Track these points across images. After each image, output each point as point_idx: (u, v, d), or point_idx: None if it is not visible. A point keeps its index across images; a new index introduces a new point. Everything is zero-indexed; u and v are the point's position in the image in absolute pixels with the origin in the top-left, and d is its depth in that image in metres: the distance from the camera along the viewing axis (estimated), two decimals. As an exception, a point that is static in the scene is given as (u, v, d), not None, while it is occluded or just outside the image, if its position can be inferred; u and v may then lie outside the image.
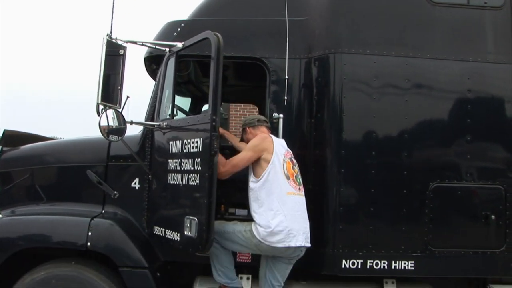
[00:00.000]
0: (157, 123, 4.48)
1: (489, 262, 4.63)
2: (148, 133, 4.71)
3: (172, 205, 4.46)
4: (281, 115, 4.42)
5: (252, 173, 4.18)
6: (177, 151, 4.30)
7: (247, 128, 4.48)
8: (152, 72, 5.26)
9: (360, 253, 4.43)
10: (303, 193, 4.20)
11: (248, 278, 4.63)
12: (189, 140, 4.13)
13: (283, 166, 4.10)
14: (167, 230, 4.35)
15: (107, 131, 4.20)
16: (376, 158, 4.48)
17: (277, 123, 4.43)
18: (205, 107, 6.92)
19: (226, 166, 4.12)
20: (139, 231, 4.63)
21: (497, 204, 4.61)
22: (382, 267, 4.44)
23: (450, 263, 4.56)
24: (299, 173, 4.24)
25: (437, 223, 4.51)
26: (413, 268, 4.47)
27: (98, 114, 4.12)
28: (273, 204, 4.01)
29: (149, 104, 4.80)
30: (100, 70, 4.17)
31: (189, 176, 4.08)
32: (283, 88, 4.55)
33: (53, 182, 5.03)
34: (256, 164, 4.15)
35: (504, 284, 5.08)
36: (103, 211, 4.71)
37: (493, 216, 4.55)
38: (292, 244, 3.98)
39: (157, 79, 4.86)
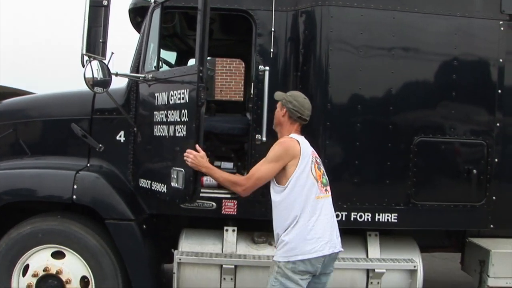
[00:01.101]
0: (143, 75, 4.44)
1: (469, 215, 4.73)
2: (133, 85, 4.67)
3: (158, 157, 4.47)
4: (267, 68, 4.39)
5: (275, 182, 3.75)
6: (163, 103, 4.29)
7: (284, 114, 3.91)
8: (137, 25, 5.17)
9: (345, 206, 4.49)
10: (329, 194, 3.85)
11: (233, 231, 4.68)
12: (175, 92, 4.12)
13: (311, 168, 3.72)
14: (153, 182, 4.38)
15: (92, 83, 4.14)
16: (362, 112, 4.50)
17: (263, 75, 4.40)
18: (191, 61, 6.86)
19: (250, 180, 3.73)
20: (124, 184, 4.65)
21: (479, 159, 4.68)
22: (366, 220, 4.52)
23: (432, 216, 4.66)
24: (325, 173, 3.89)
25: (420, 177, 4.58)
26: (396, 220, 4.56)
27: (83, 66, 4.07)
28: (304, 212, 3.63)
29: (134, 57, 4.74)
30: (84, 21, 4.10)
31: (176, 128, 4.11)
32: (269, 41, 4.50)
33: (37, 136, 5.00)
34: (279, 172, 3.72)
35: (482, 237, 5.25)
36: (88, 165, 4.70)
37: (475, 171, 4.64)
38: (326, 252, 3.62)
39: (141, 31, 4.79)
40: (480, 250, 5.07)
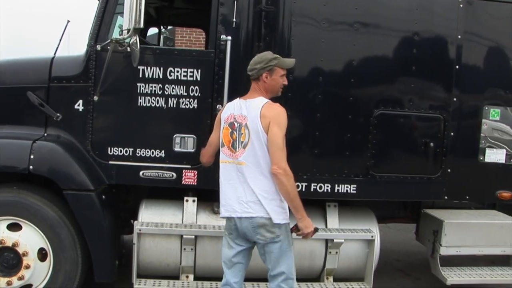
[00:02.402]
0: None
1: (425, 187, 4.87)
2: (92, 54, 4.53)
3: (145, 126, 4.54)
4: (229, 37, 4.35)
5: None
6: (156, 77, 4.46)
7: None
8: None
9: (305, 177, 4.55)
10: (242, 160, 3.70)
11: (193, 201, 4.68)
12: (180, 69, 4.47)
13: (221, 132, 3.88)
14: (142, 150, 4.50)
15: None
16: (323, 84, 4.54)
17: (225, 45, 4.36)
18: (152, 30, 6.76)
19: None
20: (83, 154, 4.53)
21: (436, 133, 4.81)
22: (325, 190, 4.59)
23: (389, 187, 4.79)
24: (241, 139, 3.72)
25: (379, 149, 4.68)
26: (355, 191, 4.65)
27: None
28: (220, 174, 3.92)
29: (93, 24, 4.60)
30: None
31: (181, 100, 4.45)
32: (232, 10, 4.44)
33: (-9, 104, 4.82)
34: None
35: (436, 208, 5.45)
36: (45, 134, 4.55)
37: (431, 144, 4.77)
38: (224, 214, 3.81)
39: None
40: (434, 220, 5.26)
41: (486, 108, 4.91)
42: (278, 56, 3.79)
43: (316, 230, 3.78)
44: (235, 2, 4.44)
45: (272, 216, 3.62)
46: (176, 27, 11.26)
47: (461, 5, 4.76)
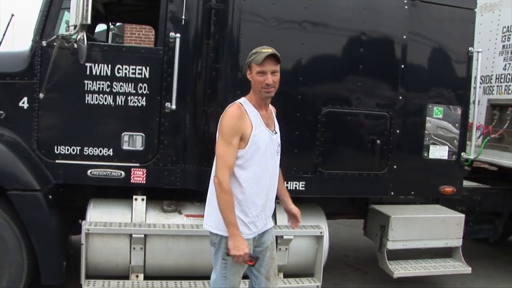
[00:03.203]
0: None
1: (372, 183, 4.98)
2: (37, 50, 4.42)
3: (94, 124, 4.48)
4: (178, 35, 4.32)
5: None
6: (104, 74, 4.38)
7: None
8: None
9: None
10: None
11: (142, 200, 4.64)
12: (128, 66, 4.41)
13: None
14: (90, 148, 4.42)
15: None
16: (272, 82, 4.54)
17: (174, 43, 4.34)
18: (100, 26, 6.63)
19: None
20: (28, 152, 4.40)
21: (383, 131, 4.92)
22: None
23: (338, 184, 4.86)
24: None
25: (327, 146, 4.74)
26: (303, 188, 4.71)
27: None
28: None
29: (38, 19, 4.48)
30: None
31: (129, 98, 4.41)
32: (181, 7, 4.42)
33: None
34: None
35: (383, 204, 5.60)
36: (-13, 132, 4.42)
37: (378, 141, 4.87)
38: None
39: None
40: (381, 216, 5.41)
41: (430, 106, 5.07)
42: (261, 50, 3.30)
43: (252, 257, 3.33)
44: (184, -1, 4.42)
45: (204, 220, 3.51)
46: (125, 24, 11.10)
47: (406, 6, 4.89)
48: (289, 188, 4.61)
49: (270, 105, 3.54)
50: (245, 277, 3.63)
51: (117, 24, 7.39)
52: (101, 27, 6.82)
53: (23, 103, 4.40)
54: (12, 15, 4.15)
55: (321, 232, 4.87)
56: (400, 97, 4.94)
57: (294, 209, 3.83)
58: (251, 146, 3.29)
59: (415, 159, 5.10)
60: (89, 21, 3.90)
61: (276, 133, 3.50)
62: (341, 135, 4.83)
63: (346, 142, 4.89)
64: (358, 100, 4.80)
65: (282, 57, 4.41)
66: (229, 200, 3.23)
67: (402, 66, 4.92)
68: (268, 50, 3.28)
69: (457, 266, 5.62)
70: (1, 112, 4.39)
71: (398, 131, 4.95)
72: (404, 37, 4.91)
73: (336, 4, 4.75)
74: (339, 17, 4.76)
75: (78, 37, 3.95)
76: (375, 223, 5.54)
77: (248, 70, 3.38)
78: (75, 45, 4.05)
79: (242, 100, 3.42)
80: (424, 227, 5.38)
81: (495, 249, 7.50)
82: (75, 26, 3.88)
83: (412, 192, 5.22)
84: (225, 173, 3.24)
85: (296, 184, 4.67)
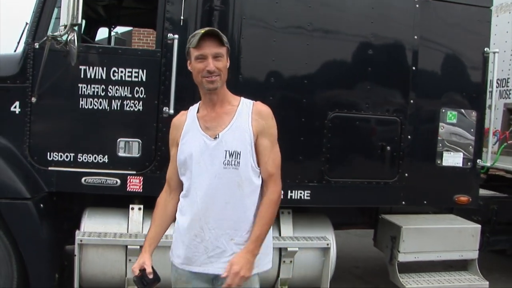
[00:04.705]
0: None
1: (382, 192, 4.74)
2: (29, 52, 4.24)
3: (87, 129, 4.29)
4: (176, 36, 4.11)
5: (255, 163, 2.66)
6: (99, 77, 4.21)
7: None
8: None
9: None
10: None
11: (139, 209, 4.43)
12: (124, 69, 4.21)
13: None
14: (84, 155, 4.23)
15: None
16: (275, 84, 4.35)
17: (172, 44, 4.13)
18: (102, 31, 6.46)
19: (278, 178, 2.73)
20: (20, 159, 4.21)
21: (393, 136, 4.68)
22: (279, 197, 4.38)
23: (345, 193, 4.63)
24: None
25: (334, 153, 4.51)
26: (309, 198, 4.47)
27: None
28: None
29: (31, 19, 4.31)
30: None
31: (125, 103, 4.21)
32: (180, 7, 4.22)
33: None
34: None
35: (394, 214, 5.33)
36: (-23, 138, 4.25)
37: (388, 148, 4.63)
38: None
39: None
40: (392, 226, 5.15)
41: (443, 110, 4.81)
42: (199, 31, 2.61)
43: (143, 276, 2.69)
44: (183, -1, 4.22)
45: None
46: (133, 29, 10.98)
47: (417, 5, 4.66)
48: (293, 197, 4.41)
49: (245, 102, 2.73)
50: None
51: (125, 30, 7.22)
52: (104, 34, 6.63)
53: (15, 107, 4.23)
54: (26, 23, 4.09)
55: (327, 244, 4.63)
56: (412, 101, 4.70)
57: (236, 258, 2.55)
58: (179, 156, 2.69)
59: (428, 166, 4.84)
60: (79, 21, 3.71)
61: (217, 138, 2.60)
62: (349, 141, 4.60)
63: (354, 149, 4.65)
64: (367, 105, 4.57)
65: (286, 58, 4.22)
66: (153, 212, 2.86)
67: (413, 68, 4.69)
68: (208, 29, 2.60)
69: (473, 280, 5.32)
70: (-8, 117, 4.22)
71: (409, 137, 4.71)
72: (415, 37, 4.67)
73: (343, 4, 4.53)
74: (345, 17, 4.55)
75: (69, 38, 3.75)
76: (385, 234, 5.28)
77: (188, 61, 2.69)
78: (66, 47, 3.85)
79: (197, 104, 2.82)
80: (437, 238, 5.10)
81: (514, 261, 7.16)
82: (65, 26, 3.67)
83: (425, 202, 4.95)
84: (164, 186, 2.92)
85: (301, 193, 4.44)
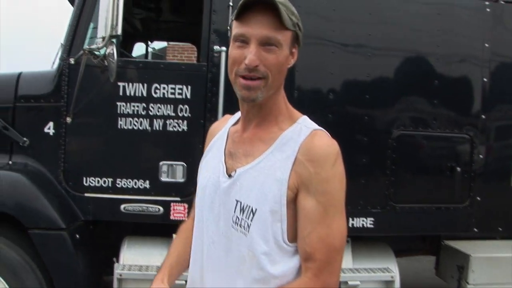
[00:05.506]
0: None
1: (452, 218, 4.31)
2: (64, 68, 3.92)
3: (129, 152, 3.96)
4: (224, 48, 3.74)
5: (285, 238, 1.57)
6: (139, 95, 3.87)
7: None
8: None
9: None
10: None
11: (184, 239, 4.02)
12: (167, 86, 3.87)
13: None
14: (123, 180, 3.88)
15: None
16: (334, 100, 3.95)
17: (219, 57, 3.78)
18: (138, 46, 6.15)
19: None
20: (54, 185, 3.90)
21: (463, 155, 4.26)
22: (337, 225, 3.94)
23: (411, 220, 4.21)
24: None
25: (399, 175, 4.09)
26: (372, 226, 4.05)
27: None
28: None
29: (66, 33, 4.00)
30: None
31: (167, 122, 3.87)
32: (227, 17, 3.85)
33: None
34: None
35: (458, 239, 4.80)
36: (10, 162, 3.94)
37: (458, 168, 4.18)
38: None
39: (76, 4, 4.05)
40: (458, 254, 4.63)
41: (520, 126, 4.34)
42: None
43: None
44: (230, 8, 3.84)
45: None
46: (168, 46, 10.72)
47: (488, 9, 4.22)
48: (355, 225, 3.99)
49: (299, 128, 1.63)
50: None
51: (159, 47, 6.93)
52: (140, 50, 6.33)
53: (49, 128, 3.92)
54: (61, 43, 3.86)
55: (392, 277, 4.16)
56: (483, 116, 4.26)
57: None
58: (198, 177, 1.83)
59: (503, 188, 4.38)
60: (119, 32, 3.36)
61: (231, 176, 1.63)
62: (415, 162, 4.18)
63: (421, 170, 4.22)
64: (434, 121, 4.13)
65: (345, 72, 3.80)
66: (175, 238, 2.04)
67: (484, 79, 4.25)
68: None
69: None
70: (25, 139, 3.92)
71: (481, 156, 4.26)
72: (486, 45, 4.23)
73: (406, 10, 4.11)
74: (409, 25, 4.13)
75: (107, 51, 3.40)
76: (450, 262, 4.76)
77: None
78: (105, 61, 3.50)
79: None
80: (512, 269, 4.58)
81: None
82: (103, 38, 3.32)
83: (500, 229, 4.46)
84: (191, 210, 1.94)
85: (363, 221, 4.00)
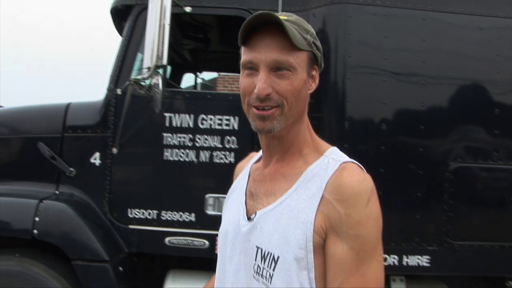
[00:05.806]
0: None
1: (516, 257, 3.92)
2: (111, 99, 3.90)
3: (175, 184, 3.88)
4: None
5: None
6: (186, 126, 3.81)
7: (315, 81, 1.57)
8: (119, 26, 4.43)
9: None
10: None
11: (229, 275, 3.87)
12: (214, 116, 3.80)
13: None
14: (168, 212, 3.80)
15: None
16: (387, 131, 3.72)
17: (266, 87, 3.63)
18: (188, 76, 6.11)
19: None
20: (99, 216, 3.85)
21: (528, 189, 3.89)
22: (391, 263, 3.69)
23: (471, 259, 3.84)
24: None
25: (457, 210, 3.78)
26: (428, 264, 3.74)
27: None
28: None
29: (114, 65, 3.98)
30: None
31: (214, 154, 3.77)
32: (275, 45, 3.74)
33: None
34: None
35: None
36: (56, 192, 3.93)
37: (522, 203, 3.85)
38: None
39: (124, 35, 4.04)
40: (523, 295, 4.28)
41: None
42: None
43: None
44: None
45: None
46: (218, 77, 10.70)
47: None
48: (409, 264, 3.71)
49: (326, 161, 1.47)
50: None
51: (210, 77, 6.89)
52: (190, 81, 6.30)
53: (95, 159, 3.89)
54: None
55: (450, 321, 3.86)
56: (549, 146, 3.92)
57: None
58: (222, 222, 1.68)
59: None
60: (165, 62, 3.30)
61: (251, 219, 1.49)
62: (474, 196, 3.85)
63: (481, 205, 3.88)
64: (495, 152, 3.83)
65: (398, 100, 3.62)
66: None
67: None
68: (266, 12, 1.37)
69: None
70: (72, 169, 3.90)
71: (548, 189, 3.90)
72: (554, 67, 3.93)
73: (461, 35, 3.88)
74: (465, 51, 3.88)
75: (153, 81, 3.34)
76: (514, 305, 4.42)
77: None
78: (150, 92, 3.44)
79: None
80: None
81: None
82: (149, 68, 3.26)
83: None
84: None
85: (418, 259, 3.72)
